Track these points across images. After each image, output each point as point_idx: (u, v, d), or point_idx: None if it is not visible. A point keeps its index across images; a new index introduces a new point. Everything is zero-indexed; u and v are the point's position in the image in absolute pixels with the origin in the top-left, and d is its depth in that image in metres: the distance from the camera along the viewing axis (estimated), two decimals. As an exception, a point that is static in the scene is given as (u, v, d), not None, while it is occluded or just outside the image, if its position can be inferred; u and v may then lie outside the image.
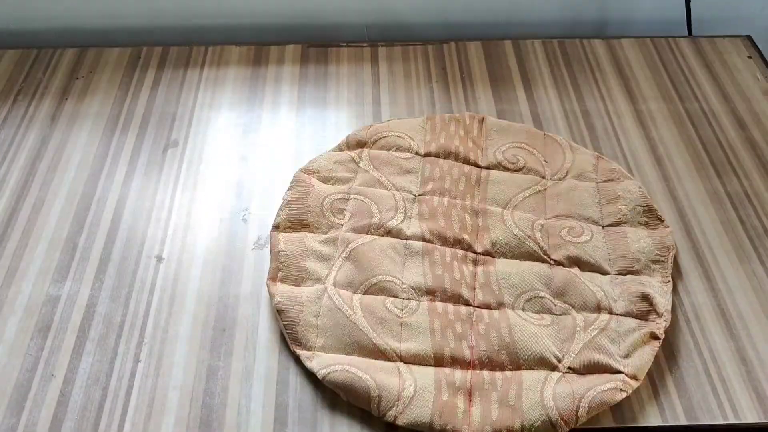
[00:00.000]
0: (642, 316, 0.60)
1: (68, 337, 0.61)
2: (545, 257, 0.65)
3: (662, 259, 0.64)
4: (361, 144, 0.75)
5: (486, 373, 0.57)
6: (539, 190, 0.71)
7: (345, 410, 0.56)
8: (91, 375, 0.58)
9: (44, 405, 0.56)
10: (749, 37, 0.91)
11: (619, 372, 0.57)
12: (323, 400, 0.57)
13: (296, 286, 0.63)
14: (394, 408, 0.55)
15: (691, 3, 0.94)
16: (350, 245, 0.65)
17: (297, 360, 0.59)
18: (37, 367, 0.59)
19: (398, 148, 0.74)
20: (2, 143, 0.77)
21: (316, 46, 0.89)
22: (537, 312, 0.61)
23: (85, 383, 0.58)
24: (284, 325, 0.60)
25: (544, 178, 0.72)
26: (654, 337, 0.59)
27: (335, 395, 0.57)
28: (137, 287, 0.64)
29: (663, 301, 0.61)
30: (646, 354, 0.58)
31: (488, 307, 0.62)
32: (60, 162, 0.75)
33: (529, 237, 0.66)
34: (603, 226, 0.68)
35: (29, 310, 0.62)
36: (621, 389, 0.55)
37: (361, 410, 0.56)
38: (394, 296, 0.62)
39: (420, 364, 0.58)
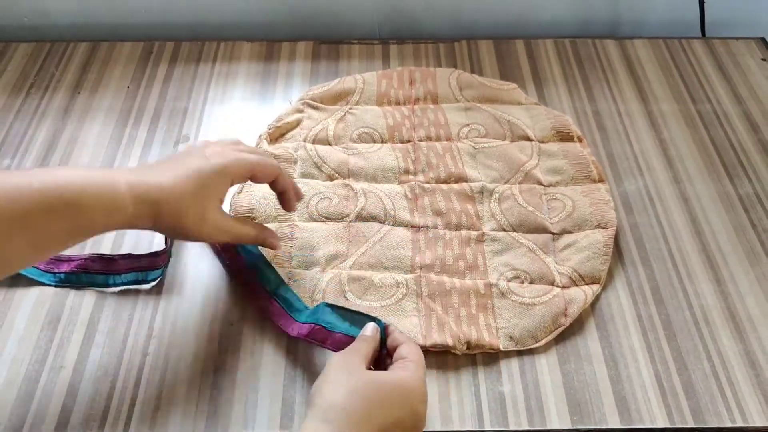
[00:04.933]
0: None
1: (78, 329, 0.61)
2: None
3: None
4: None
5: None
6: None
7: (351, 406, 0.56)
8: (100, 367, 0.58)
9: (53, 396, 0.57)
10: (763, 39, 0.91)
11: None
12: (330, 396, 0.57)
13: None
14: None
15: (705, 5, 0.93)
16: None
17: (304, 354, 0.59)
18: (47, 359, 0.59)
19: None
20: (15, 136, 0.78)
21: (328, 43, 0.89)
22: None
23: (93, 375, 0.58)
24: None
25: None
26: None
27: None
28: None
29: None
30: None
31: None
32: (72, 155, 0.76)
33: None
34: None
35: (39, 302, 0.63)
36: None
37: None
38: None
39: None
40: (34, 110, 0.81)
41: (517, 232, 0.67)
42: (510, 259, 0.65)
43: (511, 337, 0.60)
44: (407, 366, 0.51)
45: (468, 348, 0.59)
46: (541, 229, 0.68)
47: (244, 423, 0.55)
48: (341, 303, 0.61)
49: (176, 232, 0.54)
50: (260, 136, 0.75)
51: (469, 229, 0.67)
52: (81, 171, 0.50)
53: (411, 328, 0.60)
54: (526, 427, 0.55)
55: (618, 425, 0.55)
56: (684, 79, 0.85)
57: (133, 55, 0.88)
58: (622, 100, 0.83)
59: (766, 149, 0.77)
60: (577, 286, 0.64)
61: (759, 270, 0.66)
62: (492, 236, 0.67)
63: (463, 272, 0.64)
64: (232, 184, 0.55)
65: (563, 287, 0.63)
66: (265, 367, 0.59)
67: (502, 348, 0.59)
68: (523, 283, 0.64)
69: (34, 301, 0.63)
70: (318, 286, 0.62)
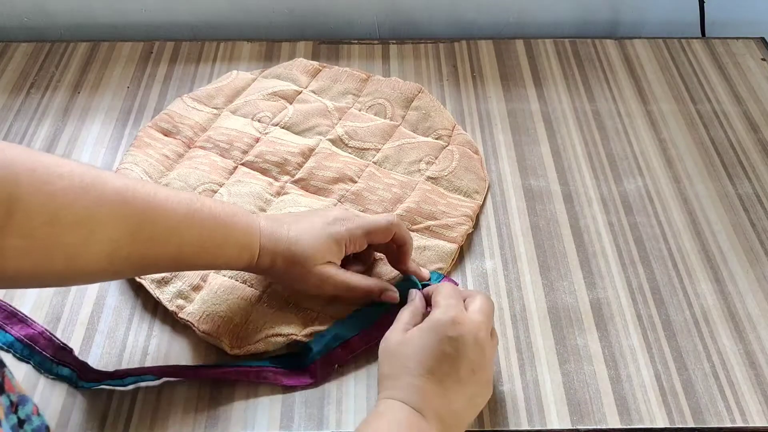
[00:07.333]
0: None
1: (78, 329, 0.61)
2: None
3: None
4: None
5: None
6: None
7: (351, 406, 0.56)
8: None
9: (53, 396, 0.57)
10: (763, 39, 0.91)
11: None
12: (330, 396, 0.57)
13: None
14: None
15: (705, 5, 0.93)
16: None
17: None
18: (47, 359, 0.59)
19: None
20: (15, 135, 0.78)
21: (328, 43, 0.89)
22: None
23: (93, 375, 0.58)
24: None
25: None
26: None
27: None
28: (147, 279, 0.64)
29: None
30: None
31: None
32: (72, 155, 0.75)
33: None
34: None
35: (40, 302, 0.63)
36: None
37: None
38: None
39: None
40: (34, 110, 0.81)
41: (376, 142, 0.74)
42: (406, 158, 0.73)
43: (476, 191, 0.71)
44: (437, 305, 0.53)
45: (473, 221, 0.69)
46: (392, 130, 0.76)
47: (244, 423, 0.55)
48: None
49: (284, 282, 0.60)
50: None
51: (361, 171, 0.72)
52: (231, 211, 0.55)
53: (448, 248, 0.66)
54: (526, 427, 0.55)
55: (618, 425, 0.55)
56: (684, 79, 0.85)
57: (133, 55, 0.88)
58: (622, 100, 0.83)
59: (765, 149, 0.77)
60: (451, 136, 0.76)
61: (759, 270, 0.66)
62: (377, 160, 0.73)
63: (399, 197, 0.69)
64: (347, 252, 0.59)
65: (450, 143, 0.75)
66: (265, 367, 0.59)
67: (481, 200, 0.71)
68: (432, 162, 0.73)
69: (34, 301, 0.63)
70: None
